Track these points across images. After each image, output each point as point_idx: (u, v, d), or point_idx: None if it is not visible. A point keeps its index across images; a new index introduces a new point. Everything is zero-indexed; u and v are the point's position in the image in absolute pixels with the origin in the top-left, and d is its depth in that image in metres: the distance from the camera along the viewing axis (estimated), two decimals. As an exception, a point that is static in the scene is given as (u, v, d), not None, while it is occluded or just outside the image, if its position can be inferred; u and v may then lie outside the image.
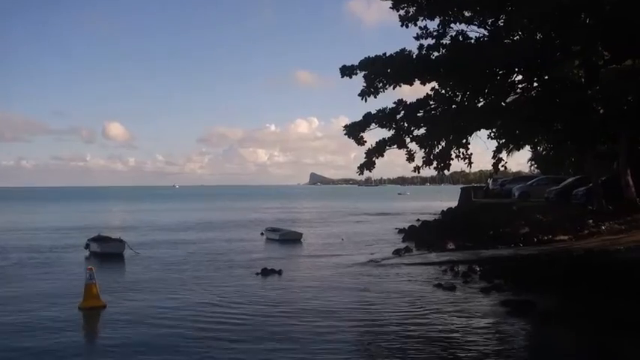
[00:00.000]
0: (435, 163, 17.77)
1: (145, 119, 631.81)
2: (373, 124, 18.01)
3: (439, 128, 17.25)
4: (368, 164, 17.89)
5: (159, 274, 18.67)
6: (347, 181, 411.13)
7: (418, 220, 39.90)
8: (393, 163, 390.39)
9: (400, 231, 33.11)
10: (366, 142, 18.10)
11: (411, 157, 17.98)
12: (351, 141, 18.19)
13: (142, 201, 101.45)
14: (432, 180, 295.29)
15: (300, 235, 30.53)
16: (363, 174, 18.34)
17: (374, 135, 18.77)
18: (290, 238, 29.75)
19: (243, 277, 17.96)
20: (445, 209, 41.23)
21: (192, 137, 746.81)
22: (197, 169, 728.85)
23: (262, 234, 32.83)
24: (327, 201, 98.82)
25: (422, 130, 18.02)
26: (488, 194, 41.69)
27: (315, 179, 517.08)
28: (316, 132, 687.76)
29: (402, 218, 46.33)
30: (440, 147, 17.87)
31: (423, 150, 17.87)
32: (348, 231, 35.60)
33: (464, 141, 17.80)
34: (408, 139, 17.94)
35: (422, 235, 28.15)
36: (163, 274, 18.44)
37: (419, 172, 18.71)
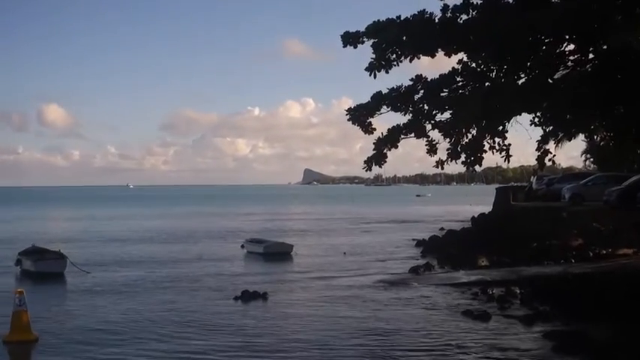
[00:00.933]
0: (463, 157, 17.52)
1: (93, 101, 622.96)
2: (384, 107, 17.83)
3: (468, 112, 16.96)
4: (378, 158, 17.73)
5: (107, 300, 18.68)
6: (351, 180, 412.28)
7: (442, 229, 40.79)
8: (410, 156, 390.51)
9: (419, 243, 33.58)
10: (375, 129, 17.91)
11: (432, 149, 17.78)
12: (357, 129, 18.04)
13: (88, 205, 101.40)
14: (459, 178, 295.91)
15: (291, 247, 30.89)
16: (371, 170, 18.15)
17: (385, 121, 18.65)
18: (278, 252, 30.15)
19: (217, 302, 18.09)
20: (476, 215, 41.55)
21: (153, 124, 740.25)
22: (160, 165, 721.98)
23: (242, 247, 33.18)
24: (325, 205, 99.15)
25: (446, 115, 17.76)
26: (531, 196, 41.96)
27: (311, 177, 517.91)
28: (311, 117, 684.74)
29: (422, 227, 46.72)
30: (469, 136, 17.70)
31: (447, 140, 17.62)
32: (351, 243, 36.02)
33: (500, 128, 17.62)
34: (428, 126, 17.69)
35: (446, 249, 28.52)
36: (113, 301, 18.44)
37: (443, 168, 18.31)
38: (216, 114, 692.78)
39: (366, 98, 18.23)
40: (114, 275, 23.93)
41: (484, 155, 17.66)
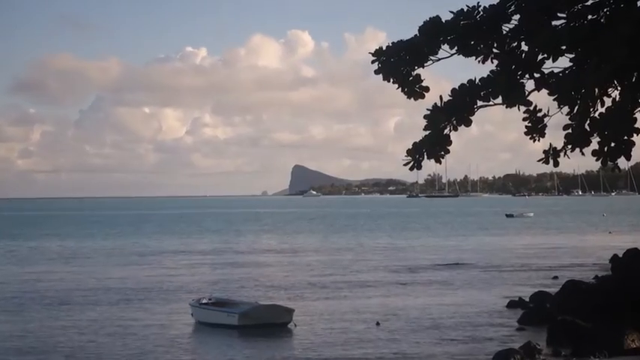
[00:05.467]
0: (596, 142, 13.96)
1: None
2: (445, 48, 14.78)
3: (606, 56, 13.50)
4: (433, 144, 14.62)
5: None
6: (382, 187, 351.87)
7: (555, 278, 35.31)
8: (494, 141, 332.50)
9: (513, 304, 27.72)
10: (427, 89, 14.80)
11: (536, 128, 14.26)
12: (392, 88, 14.80)
13: None
14: (588, 182, 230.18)
15: (290, 313, 24.14)
16: (420, 168, 14.77)
17: (447, 73, 15.73)
18: (265, 322, 23.34)
19: None
20: (620, 254, 32.68)
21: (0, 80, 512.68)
22: (14, 158, 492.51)
23: (192, 315, 25.50)
24: (332, 235, 74.40)
25: (563, 62, 14.38)
26: None
27: (304, 181, 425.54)
28: (303, 67, 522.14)
29: (518, 277, 38.22)
30: (608, 102, 14.16)
31: (566, 109, 14.16)
32: (389, 305, 29.04)
33: (665, 87, 14.54)
34: (529, 84, 14.54)
35: (565, 316, 23.09)
36: None
37: (557, 164, 14.79)
38: (120, 61, 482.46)
39: (410, 32, 15.31)
40: None
41: (635, 139, 13.72)
